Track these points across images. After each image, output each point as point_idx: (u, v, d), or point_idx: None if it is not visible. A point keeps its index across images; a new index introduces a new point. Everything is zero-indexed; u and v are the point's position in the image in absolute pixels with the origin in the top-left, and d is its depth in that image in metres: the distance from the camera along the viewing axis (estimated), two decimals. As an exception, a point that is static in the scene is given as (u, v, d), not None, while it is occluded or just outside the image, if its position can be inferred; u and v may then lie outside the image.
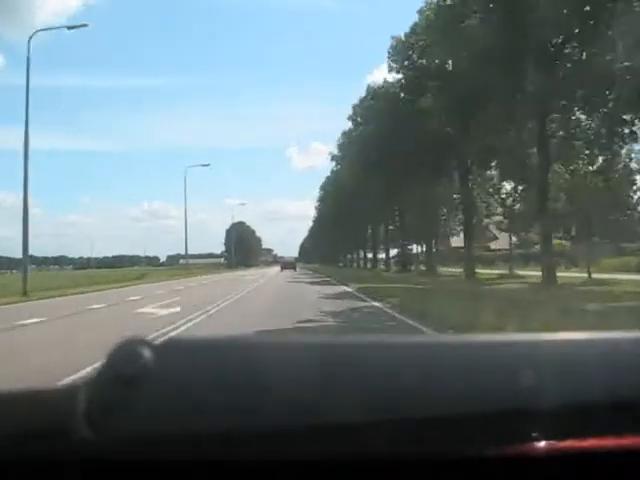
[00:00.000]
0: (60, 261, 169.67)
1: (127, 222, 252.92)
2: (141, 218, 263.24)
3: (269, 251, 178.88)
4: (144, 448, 0.53)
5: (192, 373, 0.55)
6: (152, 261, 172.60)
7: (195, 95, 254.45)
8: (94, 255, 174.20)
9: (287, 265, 60.70)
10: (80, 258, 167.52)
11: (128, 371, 0.53)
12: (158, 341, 0.56)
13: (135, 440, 0.53)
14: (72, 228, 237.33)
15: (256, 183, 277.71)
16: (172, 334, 8.32)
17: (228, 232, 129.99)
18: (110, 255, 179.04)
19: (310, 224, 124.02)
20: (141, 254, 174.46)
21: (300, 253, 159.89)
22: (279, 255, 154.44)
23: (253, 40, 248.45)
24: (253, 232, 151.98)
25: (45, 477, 0.56)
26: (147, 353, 0.54)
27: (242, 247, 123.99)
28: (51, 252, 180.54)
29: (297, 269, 61.31)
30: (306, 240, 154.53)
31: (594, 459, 0.54)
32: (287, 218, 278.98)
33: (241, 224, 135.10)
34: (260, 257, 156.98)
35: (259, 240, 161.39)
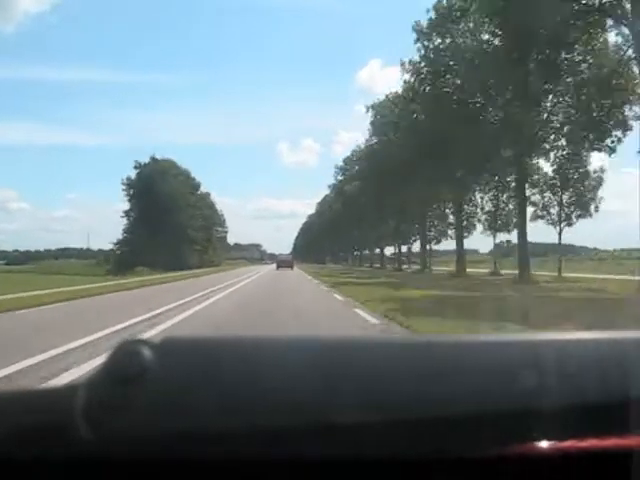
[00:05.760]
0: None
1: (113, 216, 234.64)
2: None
3: (257, 247, 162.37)
4: (144, 447, 0.53)
5: (192, 372, 0.54)
6: (106, 254, 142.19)
7: (186, 91, 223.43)
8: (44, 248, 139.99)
9: (283, 264, 53.07)
10: (15, 251, 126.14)
11: (128, 370, 0.52)
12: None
13: (135, 439, 0.52)
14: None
15: (246, 180, 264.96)
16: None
17: (130, 188, 57.46)
18: (54, 248, 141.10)
19: (302, 221, 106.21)
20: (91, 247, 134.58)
21: (294, 250, 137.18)
22: (269, 252, 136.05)
23: (242, 36, 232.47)
24: (196, 185, 67.51)
25: (45, 477, 0.55)
26: (147, 352, 0.54)
27: (164, 221, 52.23)
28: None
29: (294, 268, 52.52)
30: (300, 236, 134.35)
31: (596, 459, 0.54)
32: (277, 216, 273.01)
33: (161, 163, 56.09)
34: (236, 251, 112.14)
35: (212, 207, 77.66)
